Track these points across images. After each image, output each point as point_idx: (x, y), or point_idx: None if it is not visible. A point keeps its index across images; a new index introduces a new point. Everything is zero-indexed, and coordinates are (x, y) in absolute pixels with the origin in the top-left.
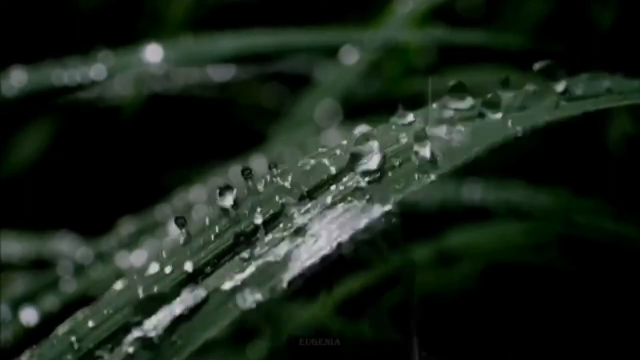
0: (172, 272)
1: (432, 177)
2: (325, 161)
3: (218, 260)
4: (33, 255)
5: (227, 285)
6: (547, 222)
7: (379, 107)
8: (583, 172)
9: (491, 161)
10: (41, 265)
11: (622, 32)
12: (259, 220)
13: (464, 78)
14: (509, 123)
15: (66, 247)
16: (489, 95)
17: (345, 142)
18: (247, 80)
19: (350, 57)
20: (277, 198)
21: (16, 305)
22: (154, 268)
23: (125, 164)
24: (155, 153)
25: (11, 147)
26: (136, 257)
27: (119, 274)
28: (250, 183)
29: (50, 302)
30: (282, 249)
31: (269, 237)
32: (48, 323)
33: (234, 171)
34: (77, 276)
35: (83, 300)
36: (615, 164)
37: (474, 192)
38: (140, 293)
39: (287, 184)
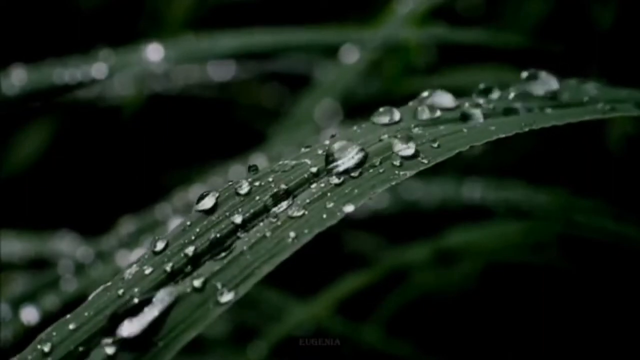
0: (151, 272)
1: (409, 173)
2: (307, 161)
3: (198, 260)
4: (33, 255)
5: (206, 284)
6: (547, 221)
7: (379, 106)
8: (583, 172)
9: (491, 161)
10: (41, 264)
11: (622, 32)
12: (238, 220)
13: (464, 77)
14: (492, 128)
15: (66, 246)
16: (475, 97)
17: (327, 141)
18: (247, 80)
19: (350, 56)
20: (257, 198)
21: (17, 304)
22: (133, 269)
23: (126, 163)
24: (155, 153)
25: (11, 147)
26: (136, 256)
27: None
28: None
29: (51, 301)
30: (262, 247)
31: (249, 235)
32: (48, 322)
33: (234, 171)
34: (77, 275)
35: (83, 299)
36: (615, 164)
37: (474, 191)
38: (121, 294)
39: (268, 184)
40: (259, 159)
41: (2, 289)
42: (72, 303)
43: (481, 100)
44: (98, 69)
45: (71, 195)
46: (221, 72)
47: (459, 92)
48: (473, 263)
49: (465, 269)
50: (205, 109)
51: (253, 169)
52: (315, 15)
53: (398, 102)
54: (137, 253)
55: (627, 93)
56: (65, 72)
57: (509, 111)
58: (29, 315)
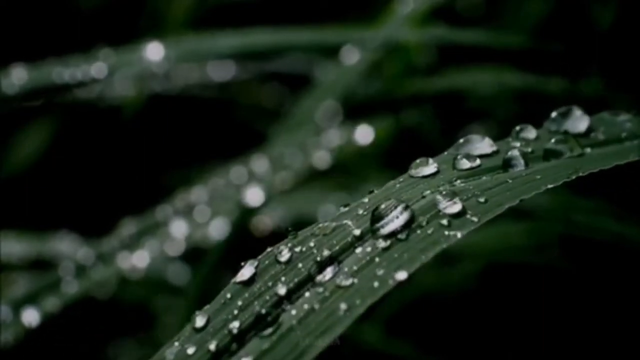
0: (195, 352)
1: (459, 234)
2: (348, 222)
3: (243, 337)
4: (33, 256)
5: None
6: (548, 222)
7: (379, 107)
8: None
9: None
10: (42, 265)
11: (622, 32)
12: (282, 290)
13: (464, 78)
14: (537, 177)
15: (67, 247)
16: (511, 140)
17: (366, 199)
18: (247, 80)
19: (351, 56)
20: (300, 265)
21: (18, 306)
22: (174, 347)
23: (126, 164)
24: (155, 153)
25: (11, 147)
26: (137, 258)
27: (120, 275)
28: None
29: (52, 303)
30: (312, 321)
31: (296, 307)
32: (49, 324)
33: (235, 171)
34: (78, 277)
35: (84, 301)
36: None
37: None
38: None
39: (309, 250)
40: (260, 160)
41: (3, 290)
42: (73, 305)
43: (518, 144)
44: (98, 68)
45: (71, 195)
46: (221, 72)
47: (460, 94)
48: (473, 263)
49: (466, 269)
50: (205, 109)
51: (292, 233)
52: (315, 15)
53: (399, 102)
54: (138, 255)
55: None
56: (66, 72)
57: (549, 153)
58: (30, 317)
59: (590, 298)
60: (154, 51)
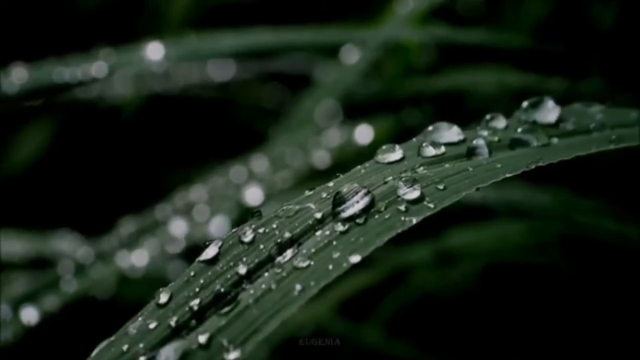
0: (156, 327)
1: (414, 220)
2: (311, 205)
3: (203, 313)
4: (33, 255)
5: (212, 341)
6: (548, 221)
7: (379, 106)
8: (583, 171)
9: None
10: (42, 264)
11: (622, 32)
12: (243, 270)
13: (464, 78)
14: (498, 165)
15: (67, 246)
16: (480, 128)
17: (331, 184)
18: (247, 80)
19: (351, 56)
20: (261, 247)
21: (17, 305)
22: (137, 322)
23: (126, 163)
24: (155, 153)
25: (11, 147)
26: (137, 257)
27: (119, 274)
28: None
29: (51, 301)
30: (268, 300)
31: (255, 286)
32: (48, 323)
33: (234, 171)
34: (77, 276)
35: (84, 300)
36: (616, 163)
37: (474, 192)
38: (125, 350)
39: (272, 231)
40: (260, 160)
41: (3, 289)
42: (73, 304)
43: (486, 132)
44: (98, 67)
45: (71, 195)
46: (221, 72)
47: (459, 93)
48: (473, 263)
49: (466, 269)
50: (205, 109)
51: (257, 214)
52: (315, 15)
53: (399, 102)
54: (137, 254)
55: (636, 115)
56: (66, 71)
57: (515, 143)
58: (29, 315)
59: (591, 298)
60: (154, 51)
